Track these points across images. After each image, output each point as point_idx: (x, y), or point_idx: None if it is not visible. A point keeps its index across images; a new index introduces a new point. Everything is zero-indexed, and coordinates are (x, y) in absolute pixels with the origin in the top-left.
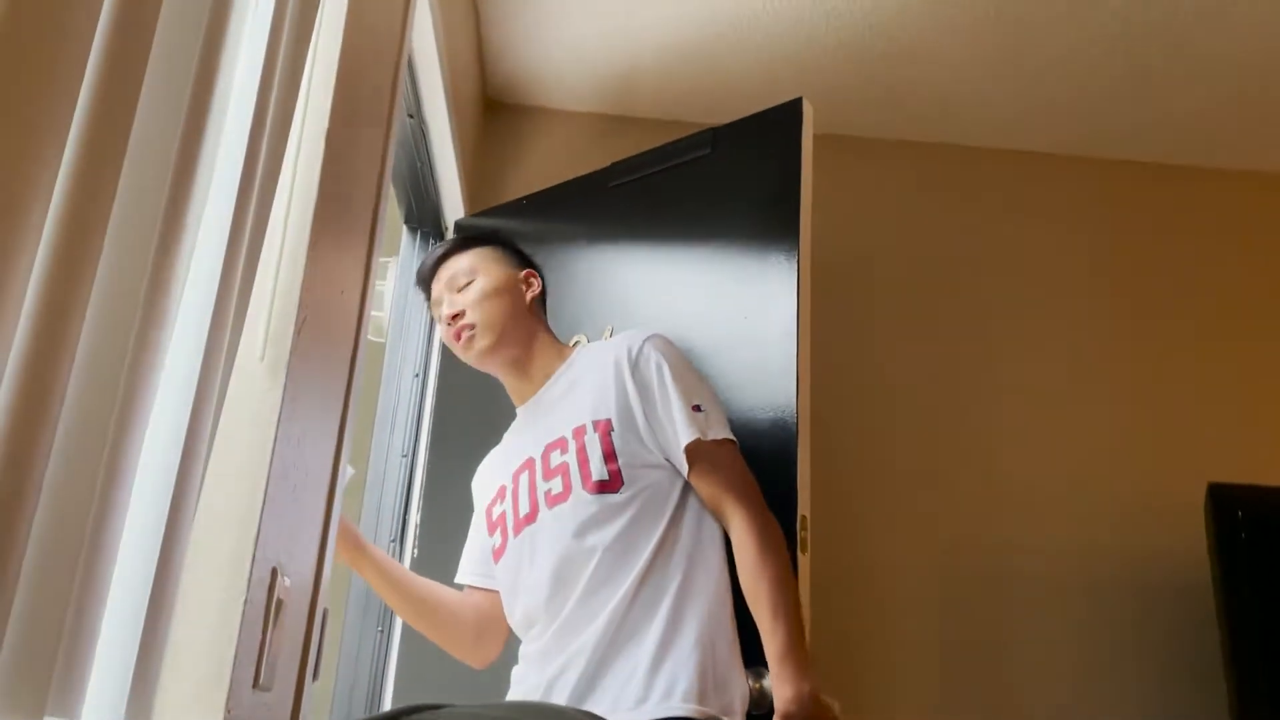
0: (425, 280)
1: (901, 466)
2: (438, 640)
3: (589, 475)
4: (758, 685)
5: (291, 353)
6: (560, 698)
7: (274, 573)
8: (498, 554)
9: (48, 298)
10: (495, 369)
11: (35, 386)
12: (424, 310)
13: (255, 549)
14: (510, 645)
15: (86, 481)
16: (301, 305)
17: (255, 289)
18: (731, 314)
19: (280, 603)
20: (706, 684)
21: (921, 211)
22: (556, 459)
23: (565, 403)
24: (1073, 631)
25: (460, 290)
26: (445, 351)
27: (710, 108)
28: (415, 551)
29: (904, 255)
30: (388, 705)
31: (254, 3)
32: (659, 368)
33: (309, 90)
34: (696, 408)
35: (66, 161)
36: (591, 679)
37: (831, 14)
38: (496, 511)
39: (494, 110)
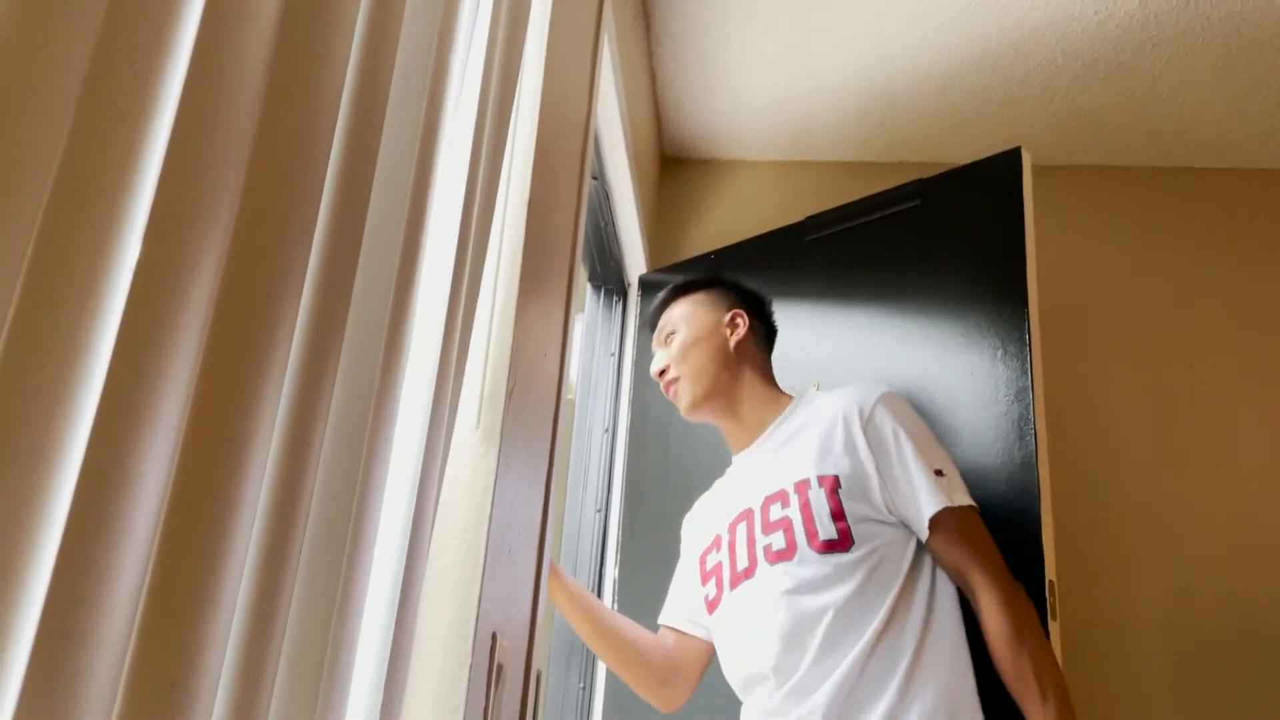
0: (651, 331)
1: (1136, 513)
2: (624, 676)
3: (815, 533)
4: None
5: (504, 419)
6: None
7: (494, 636)
8: (711, 605)
9: (302, 382)
10: (708, 419)
11: (290, 476)
12: (611, 367)
13: (478, 614)
14: (703, 693)
15: (334, 562)
16: (512, 370)
17: (472, 358)
18: (955, 372)
19: (500, 666)
20: None
21: (1138, 242)
22: (777, 513)
23: (785, 454)
24: None
25: (666, 343)
26: (635, 406)
27: (887, 148)
28: (615, 605)
29: (1122, 289)
30: None
31: (460, 82)
32: (895, 429)
33: (511, 160)
34: (939, 472)
35: (315, 252)
36: None
37: (1020, 45)
38: (711, 561)
39: (671, 166)
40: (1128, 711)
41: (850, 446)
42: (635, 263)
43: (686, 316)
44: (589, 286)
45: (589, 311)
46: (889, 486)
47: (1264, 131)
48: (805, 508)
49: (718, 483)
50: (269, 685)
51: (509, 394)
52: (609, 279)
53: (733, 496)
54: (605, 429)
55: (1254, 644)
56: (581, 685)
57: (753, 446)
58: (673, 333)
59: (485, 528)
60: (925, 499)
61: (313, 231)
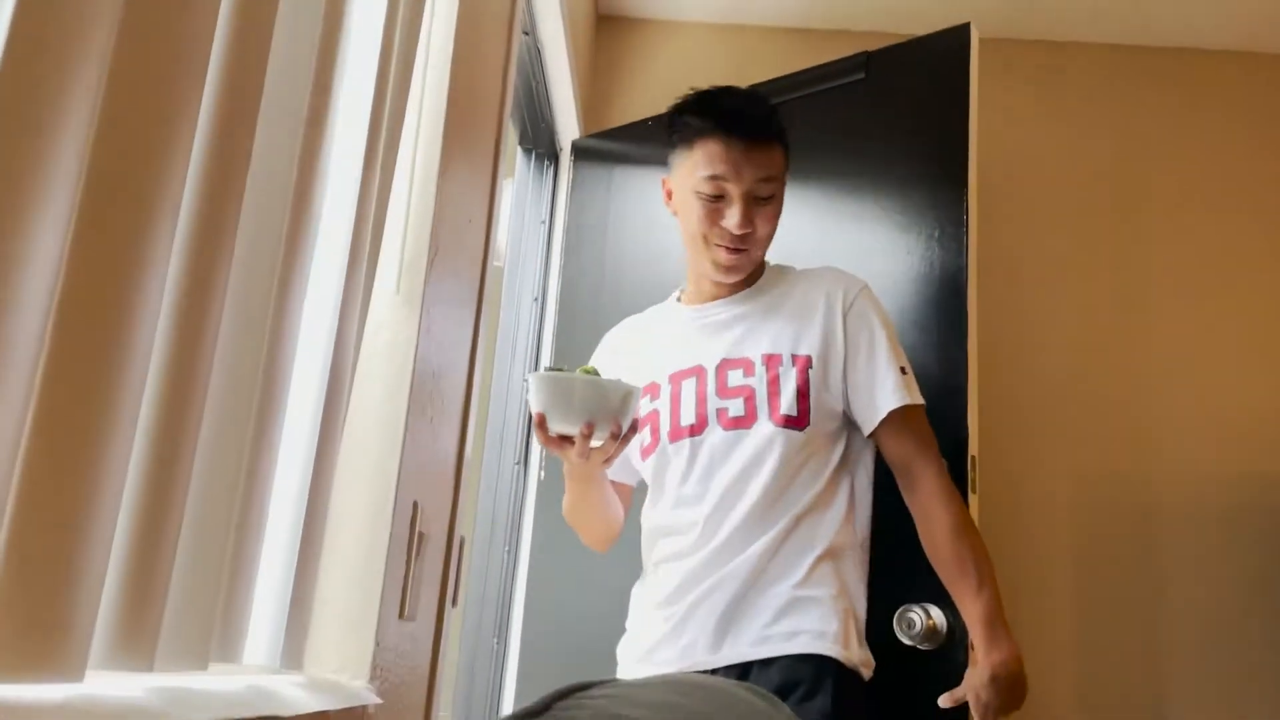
0: (745, 144)
1: (1054, 393)
2: (599, 534)
3: (777, 408)
4: (930, 620)
5: (425, 284)
6: (704, 622)
7: (415, 506)
8: (645, 452)
9: (198, 236)
10: (724, 280)
11: (188, 332)
12: (542, 234)
13: (397, 485)
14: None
15: (239, 430)
16: (434, 236)
17: (388, 221)
18: (893, 251)
19: (422, 535)
20: (849, 635)
21: (1080, 118)
22: (737, 379)
23: (753, 324)
24: (1217, 558)
25: (769, 198)
26: (565, 274)
27: (829, 14)
28: (542, 474)
29: (1061, 166)
30: (517, 627)
31: None
32: (874, 322)
33: (433, 10)
34: (903, 370)
35: (208, 97)
36: (734, 609)
37: None
38: (646, 408)
39: (607, 25)
40: (1031, 579)
41: (829, 330)
42: (568, 126)
43: (780, 173)
44: (519, 150)
45: (519, 176)
46: (851, 376)
47: (1209, 9)
48: (774, 382)
49: (653, 319)
50: (169, 554)
51: (430, 259)
52: (540, 143)
53: (676, 348)
54: (535, 297)
55: (1151, 511)
56: (507, 549)
57: (715, 304)
58: (773, 195)
59: (406, 395)
60: (889, 392)
61: (204, 72)
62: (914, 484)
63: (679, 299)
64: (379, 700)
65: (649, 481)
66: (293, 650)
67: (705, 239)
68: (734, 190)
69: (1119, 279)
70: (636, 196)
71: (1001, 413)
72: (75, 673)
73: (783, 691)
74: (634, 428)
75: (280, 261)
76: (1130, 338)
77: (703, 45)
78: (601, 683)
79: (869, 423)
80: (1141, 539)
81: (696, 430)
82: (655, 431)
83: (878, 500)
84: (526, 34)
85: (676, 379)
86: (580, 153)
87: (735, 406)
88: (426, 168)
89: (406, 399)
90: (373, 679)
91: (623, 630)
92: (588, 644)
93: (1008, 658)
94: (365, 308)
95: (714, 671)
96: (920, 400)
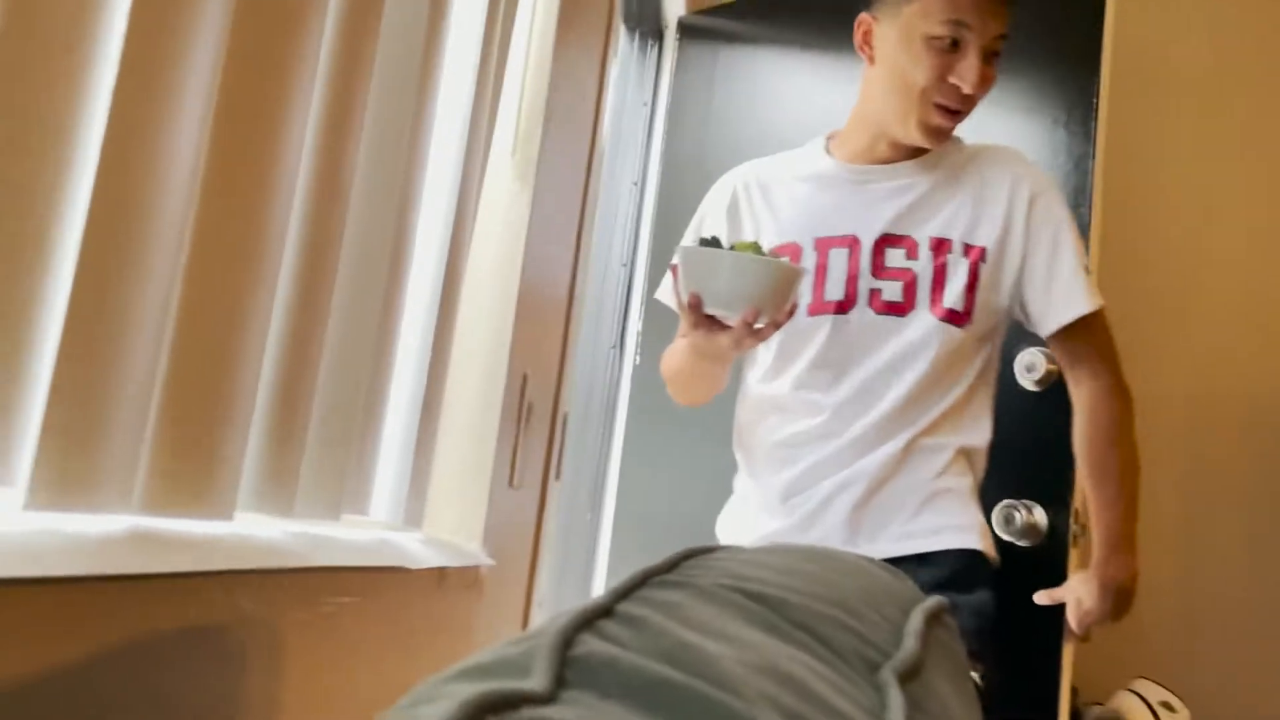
0: None
1: (1175, 284)
2: (701, 396)
3: (940, 299)
4: (1031, 518)
5: (540, 154)
6: (836, 519)
7: (524, 379)
8: None
9: (330, 117)
10: (927, 142)
11: (323, 195)
12: (644, 117)
13: (510, 358)
14: None
15: (369, 292)
16: (548, 107)
17: (505, 98)
18: (1015, 137)
19: (530, 405)
20: (986, 528)
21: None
22: (897, 260)
23: (926, 201)
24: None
25: (992, 58)
26: (665, 160)
27: None
28: (638, 359)
29: (1196, 60)
30: (611, 500)
31: None
32: (1060, 219)
33: None
34: (1087, 270)
35: None
36: (868, 504)
37: None
38: None
39: None
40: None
41: (1009, 223)
42: (675, 3)
43: (1006, 23)
44: (622, 29)
45: (623, 57)
46: (1029, 274)
47: None
48: (940, 270)
49: (792, 167)
50: (307, 409)
51: (545, 129)
52: (645, 20)
53: (825, 208)
54: (634, 182)
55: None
56: (603, 430)
57: (880, 167)
58: (1000, 50)
59: (519, 269)
60: (1078, 297)
61: None
62: (1085, 381)
63: (827, 149)
64: (491, 561)
65: (765, 348)
66: (414, 510)
67: (923, 94)
68: (973, 41)
69: (1252, 171)
70: (743, 77)
71: (1124, 305)
72: (225, 512)
73: (934, 588)
74: (792, 312)
75: (407, 129)
76: (1263, 232)
77: None
78: (724, 547)
79: (1050, 323)
80: (1255, 439)
81: (843, 308)
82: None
83: None
84: None
85: (824, 246)
86: (686, 31)
87: (891, 290)
88: (542, 41)
89: (519, 273)
90: (485, 542)
91: (713, 510)
92: (676, 522)
93: (1121, 574)
94: (483, 174)
95: None
96: (1103, 303)
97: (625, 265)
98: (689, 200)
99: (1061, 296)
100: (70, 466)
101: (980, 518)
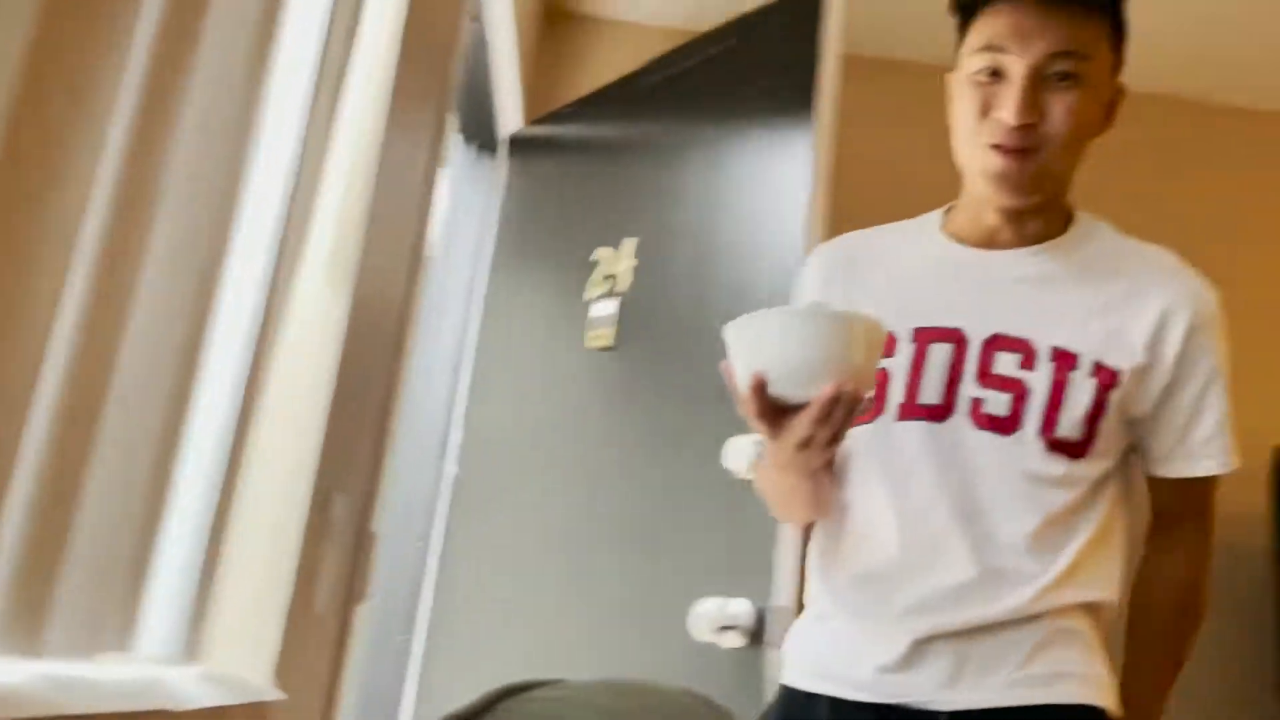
0: (1039, 5)
1: None
2: (806, 511)
3: (1053, 424)
4: None
5: (359, 269)
6: (938, 659)
7: (328, 496)
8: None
9: (116, 218)
10: (1014, 206)
11: (100, 316)
12: (475, 226)
13: (316, 475)
14: None
15: (152, 406)
16: (371, 214)
17: (323, 200)
18: (744, 211)
19: (336, 526)
20: (1108, 675)
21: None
22: (1008, 368)
23: (1053, 295)
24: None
25: (1057, 82)
26: (495, 267)
27: None
28: (456, 470)
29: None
30: (424, 623)
31: None
32: (1217, 353)
33: None
34: (1230, 421)
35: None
36: (974, 644)
37: None
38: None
39: (557, 20)
40: None
41: (1158, 345)
42: (510, 118)
43: (1097, 51)
44: (462, 139)
45: (458, 165)
46: (1169, 410)
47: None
48: (1058, 386)
49: (898, 240)
50: (65, 534)
51: (364, 245)
52: (480, 132)
53: (929, 292)
54: (466, 290)
55: None
56: (419, 540)
57: (999, 253)
58: (1076, 76)
59: (331, 379)
60: (1218, 452)
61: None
62: (1190, 536)
63: (941, 226)
64: (282, 695)
65: (860, 467)
66: (194, 641)
67: (972, 137)
68: (1014, 67)
69: None
70: (575, 184)
71: None
72: None
73: None
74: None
75: (205, 246)
76: None
77: (656, 49)
78: (544, 683)
79: (1177, 470)
80: None
81: (937, 416)
82: (878, 396)
83: None
84: (475, 19)
85: (924, 337)
86: (517, 144)
87: (996, 402)
88: (369, 152)
89: (331, 383)
90: (278, 673)
91: (534, 629)
92: (494, 644)
93: None
94: (292, 278)
95: (953, 715)
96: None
97: (452, 372)
98: (517, 308)
99: (1200, 446)
100: None
101: (1104, 663)
